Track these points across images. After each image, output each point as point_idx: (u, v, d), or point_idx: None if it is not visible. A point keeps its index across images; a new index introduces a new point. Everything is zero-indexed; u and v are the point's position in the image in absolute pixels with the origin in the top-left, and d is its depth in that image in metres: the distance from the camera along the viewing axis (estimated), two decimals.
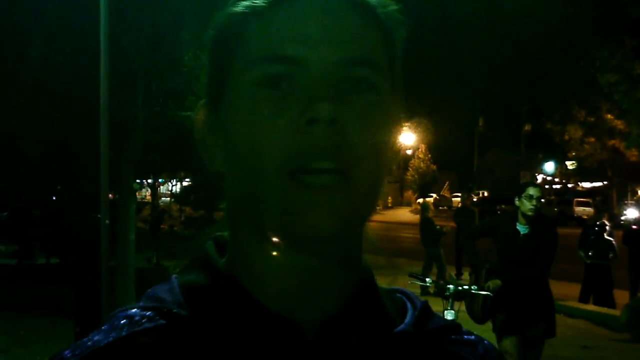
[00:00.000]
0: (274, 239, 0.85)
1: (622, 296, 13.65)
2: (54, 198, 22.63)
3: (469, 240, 7.45)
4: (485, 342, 0.98)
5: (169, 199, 53.15)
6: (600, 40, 19.87)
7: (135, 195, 14.88)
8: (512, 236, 6.79)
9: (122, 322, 0.86)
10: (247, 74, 0.84)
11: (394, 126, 0.90)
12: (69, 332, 8.45)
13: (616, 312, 12.30)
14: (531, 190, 6.72)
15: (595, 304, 13.64)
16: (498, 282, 6.76)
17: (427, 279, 7.66)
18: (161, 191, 55.62)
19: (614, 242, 13.85)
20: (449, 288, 7.05)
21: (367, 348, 0.87)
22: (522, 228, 6.77)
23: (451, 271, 16.45)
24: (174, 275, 0.94)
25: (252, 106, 0.83)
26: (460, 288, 7.01)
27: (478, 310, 6.93)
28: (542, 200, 6.85)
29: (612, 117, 33.15)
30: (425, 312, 0.95)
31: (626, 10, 17.34)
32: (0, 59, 12.12)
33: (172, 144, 17.75)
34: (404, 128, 0.93)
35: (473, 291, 6.90)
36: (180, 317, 0.86)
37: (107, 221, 6.71)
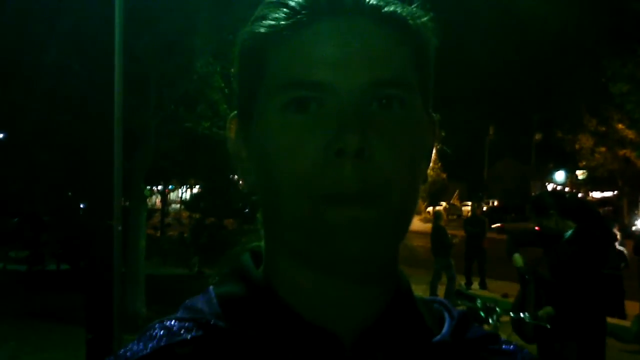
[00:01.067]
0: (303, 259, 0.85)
1: (632, 307, 13.56)
2: (65, 204, 22.67)
3: None
4: (525, 351, 0.97)
5: (178, 205, 53.22)
6: (612, 50, 19.82)
7: (146, 202, 14.92)
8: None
9: (160, 332, 0.87)
10: (274, 98, 0.84)
11: (426, 141, 0.90)
12: (80, 339, 8.43)
13: (627, 323, 12.24)
14: None
15: (606, 314, 13.54)
16: (551, 310, 6.36)
17: (478, 301, 7.14)
18: (171, 198, 55.65)
19: (625, 252, 13.79)
20: (497, 312, 6.64)
21: (405, 358, 0.87)
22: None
23: (461, 280, 16.40)
24: (211, 287, 0.94)
25: (280, 131, 0.83)
26: (512, 315, 6.66)
27: (530, 331, 6.55)
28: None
29: (623, 127, 33.02)
30: (463, 321, 0.95)
31: (638, 20, 17.29)
32: (16, 66, 12.16)
33: (183, 151, 17.79)
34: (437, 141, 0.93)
35: (527, 321, 6.54)
36: (218, 329, 0.86)
37: (119, 228, 6.73)
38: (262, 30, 0.86)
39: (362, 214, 0.80)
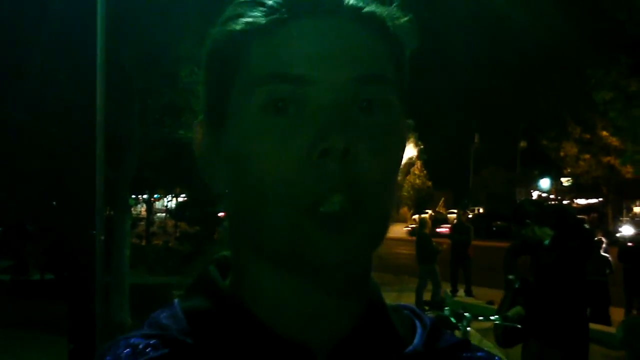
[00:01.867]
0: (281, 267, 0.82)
1: (617, 313, 13.62)
2: (49, 214, 22.57)
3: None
4: (497, 358, 0.96)
5: (164, 214, 53.11)
6: (596, 58, 19.93)
7: (131, 211, 14.88)
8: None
9: (125, 351, 0.83)
10: (251, 96, 0.81)
11: (402, 145, 0.88)
12: (62, 348, 8.40)
13: (612, 329, 12.27)
14: None
15: (591, 321, 13.60)
16: (521, 310, 6.48)
17: (446, 309, 7.16)
18: (157, 207, 55.51)
19: (609, 259, 13.85)
20: (466, 317, 6.70)
21: None
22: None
23: (446, 287, 16.43)
24: (176, 300, 0.90)
25: (259, 135, 0.79)
26: (480, 319, 6.72)
27: (500, 334, 6.62)
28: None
29: (607, 134, 33.21)
30: (434, 330, 0.94)
31: (622, 29, 17.40)
32: None
33: (168, 160, 17.75)
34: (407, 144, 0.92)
35: (497, 322, 6.60)
36: (185, 345, 0.83)
37: (102, 237, 6.69)
38: (238, 27, 0.83)
39: (346, 220, 0.77)
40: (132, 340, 0.84)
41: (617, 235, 29.73)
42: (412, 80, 0.92)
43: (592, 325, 13.16)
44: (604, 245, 14.09)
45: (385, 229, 0.84)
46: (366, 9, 0.84)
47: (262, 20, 0.82)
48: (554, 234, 6.29)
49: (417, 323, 0.94)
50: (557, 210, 6.78)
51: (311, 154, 0.77)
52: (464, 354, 0.93)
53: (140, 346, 0.83)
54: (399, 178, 0.89)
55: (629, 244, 15.74)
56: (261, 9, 0.82)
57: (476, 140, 75.13)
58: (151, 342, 0.83)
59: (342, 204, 0.77)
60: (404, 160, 0.89)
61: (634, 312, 14.13)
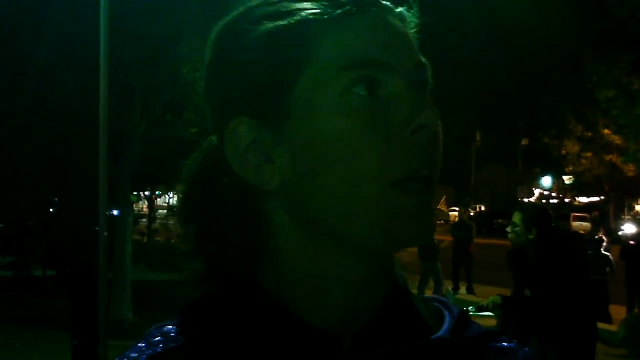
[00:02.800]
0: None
1: (619, 311, 13.62)
2: (51, 210, 22.59)
3: None
4: (526, 349, 0.96)
5: (166, 211, 53.12)
6: (597, 56, 19.89)
7: (133, 207, 14.89)
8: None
9: (156, 338, 0.86)
10: (329, 84, 0.82)
11: None
12: (66, 345, 8.40)
13: (613, 328, 12.28)
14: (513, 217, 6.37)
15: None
16: (497, 298, 6.46)
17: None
18: (158, 203, 55.52)
19: (610, 257, 13.87)
20: (469, 311, 6.67)
21: (404, 356, 0.87)
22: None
23: (448, 285, 16.43)
24: (204, 291, 0.93)
25: (347, 115, 0.81)
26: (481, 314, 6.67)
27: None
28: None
29: (609, 132, 33.16)
30: (462, 319, 0.95)
31: (624, 26, 17.38)
32: (1, 72, 12.13)
33: (170, 156, 17.75)
34: None
35: (471, 313, 6.60)
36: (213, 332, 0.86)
37: (105, 233, 6.70)
38: (306, 17, 0.84)
39: (430, 198, 0.83)
40: (164, 329, 0.88)
41: (619, 233, 29.72)
42: None
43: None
44: (604, 244, 14.11)
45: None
46: (403, 8, 0.91)
47: (333, 12, 0.84)
48: (536, 237, 6.25)
49: (446, 313, 0.95)
50: (538, 213, 6.70)
51: (405, 131, 0.81)
52: (492, 344, 0.94)
53: (172, 333, 0.87)
54: None
55: (631, 242, 15.74)
56: (325, 2, 0.85)
57: (478, 138, 75.21)
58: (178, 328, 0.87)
59: (427, 180, 0.82)
60: None
61: (636, 310, 14.13)
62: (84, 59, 7.95)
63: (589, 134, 38.63)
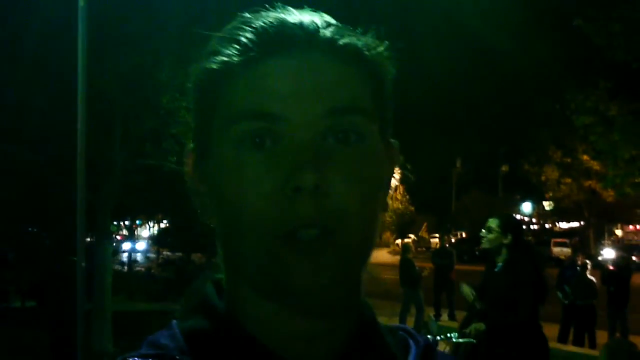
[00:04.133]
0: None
1: (601, 336, 13.66)
2: (29, 240, 22.43)
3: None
4: None
5: (147, 241, 52.92)
6: (575, 83, 20.07)
7: (112, 237, 14.79)
8: (489, 274, 6.63)
9: None
10: (228, 132, 0.83)
11: (383, 171, 0.90)
12: None
13: (595, 353, 12.29)
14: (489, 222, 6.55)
15: (574, 344, 13.66)
16: (481, 325, 6.47)
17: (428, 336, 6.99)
18: (138, 233, 55.28)
19: (593, 282, 14.01)
20: (453, 338, 6.66)
21: None
22: (499, 265, 6.45)
23: (430, 312, 16.42)
24: (174, 321, 0.91)
25: (236, 168, 0.82)
26: (439, 338, 6.68)
27: (454, 351, 6.60)
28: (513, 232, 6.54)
29: (588, 158, 33.42)
30: (428, 350, 0.95)
31: (601, 54, 17.56)
32: None
33: (149, 186, 17.70)
34: (396, 168, 0.94)
35: (454, 340, 6.60)
36: None
37: (83, 264, 6.63)
38: (214, 66, 0.85)
39: (320, 249, 0.80)
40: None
41: (599, 258, 29.87)
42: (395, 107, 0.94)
43: (576, 349, 13.26)
44: (589, 268, 14.31)
45: (366, 253, 0.86)
46: (341, 41, 0.86)
47: (236, 59, 0.84)
48: (510, 242, 6.38)
49: (412, 343, 0.95)
50: (514, 220, 6.92)
51: (285, 189, 0.79)
52: None
53: None
54: (389, 202, 0.91)
55: (611, 267, 15.85)
56: (236, 46, 0.84)
57: (458, 165, 75.49)
58: None
59: (316, 235, 0.80)
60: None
61: (617, 334, 14.16)
62: (62, 86, 7.91)
63: (568, 160, 38.91)
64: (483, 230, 6.58)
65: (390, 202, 0.94)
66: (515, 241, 6.39)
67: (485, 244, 6.51)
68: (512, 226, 6.51)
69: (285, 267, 0.80)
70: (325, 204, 0.79)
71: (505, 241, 6.35)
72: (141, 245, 45.72)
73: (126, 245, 35.08)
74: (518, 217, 71.55)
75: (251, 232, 0.81)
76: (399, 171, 0.97)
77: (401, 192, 67.67)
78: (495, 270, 6.45)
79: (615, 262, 17.05)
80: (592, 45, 17.32)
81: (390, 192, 0.95)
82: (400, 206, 67.14)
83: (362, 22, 0.90)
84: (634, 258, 32.65)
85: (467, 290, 6.87)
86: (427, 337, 0.98)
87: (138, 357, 0.85)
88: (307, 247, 0.79)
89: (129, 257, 31.02)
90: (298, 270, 0.79)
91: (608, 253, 27.77)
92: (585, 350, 13.02)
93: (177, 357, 0.84)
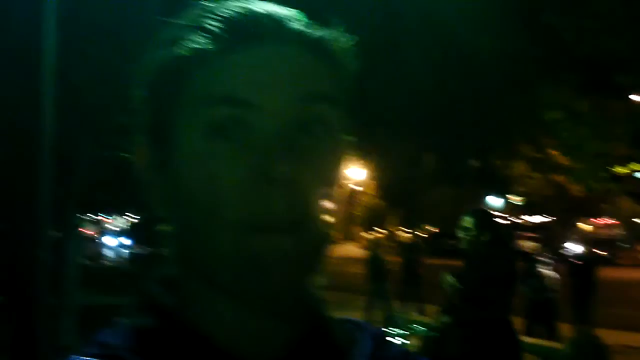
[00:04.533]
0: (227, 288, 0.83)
1: (567, 330, 13.82)
2: None
3: None
4: None
5: (116, 235, 52.75)
6: (544, 78, 20.24)
7: (79, 231, 14.70)
8: (466, 270, 6.63)
9: None
10: (196, 118, 0.82)
11: (342, 164, 0.89)
12: None
13: (560, 346, 12.41)
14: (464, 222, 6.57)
15: (540, 337, 13.81)
16: (445, 318, 6.49)
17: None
18: (107, 227, 55.02)
19: (557, 276, 14.16)
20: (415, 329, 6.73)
21: None
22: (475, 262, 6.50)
23: (397, 306, 16.54)
24: (122, 319, 0.90)
25: (204, 158, 0.81)
26: (407, 331, 6.74)
27: (422, 347, 6.66)
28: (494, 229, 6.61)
29: (556, 153, 33.72)
30: (377, 341, 0.94)
31: (570, 49, 17.72)
32: None
33: (118, 180, 17.62)
34: (352, 163, 0.93)
35: (418, 333, 6.65)
36: None
37: (46, 257, 6.56)
38: (184, 52, 0.84)
39: (289, 242, 0.79)
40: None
41: (567, 252, 30.16)
42: (360, 101, 0.93)
43: (542, 342, 13.37)
44: (553, 262, 14.49)
45: (326, 248, 0.86)
46: (308, 33, 0.86)
47: (208, 47, 0.82)
48: (489, 239, 6.43)
49: (359, 335, 0.95)
50: (489, 216, 6.99)
51: (256, 181, 0.79)
52: None
53: None
54: (347, 196, 0.90)
55: (577, 261, 16.06)
56: (204, 34, 0.83)
57: (426, 159, 75.99)
58: None
59: (284, 227, 0.79)
60: (356, 180, 0.91)
61: (582, 327, 14.34)
62: (28, 78, 7.79)
63: (537, 154, 39.24)
64: (459, 231, 6.60)
65: (360, 196, 0.94)
66: (493, 237, 6.43)
67: (464, 245, 6.53)
68: (488, 223, 6.55)
69: (254, 262, 0.79)
70: (296, 196, 0.80)
71: (483, 238, 6.39)
72: (112, 241, 45.53)
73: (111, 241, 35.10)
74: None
75: (218, 224, 0.80)
76: (367, 167, 0.96)
77: (372, 187, 67.96)
78: (472, 265, 6.49)
79: (579, 255, 17.31)
80: (561, 41, 17.47)
81: (361, 187, 0.94)
82: (370, 201, 67.45)
83: (331, 17, 0.91)
84: (601, 252, 33.12)
85: (450, 280, 6.85)
86: (377, 328, 0.97)
87: (85, 357, 0.83)
88: (277, 241, 0.79)
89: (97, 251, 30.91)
90: (267, 266, 0.79)
91: (571, 246, 28.13)
92: (549, 343, 13.14)
93: (126, 356, 0.82)
